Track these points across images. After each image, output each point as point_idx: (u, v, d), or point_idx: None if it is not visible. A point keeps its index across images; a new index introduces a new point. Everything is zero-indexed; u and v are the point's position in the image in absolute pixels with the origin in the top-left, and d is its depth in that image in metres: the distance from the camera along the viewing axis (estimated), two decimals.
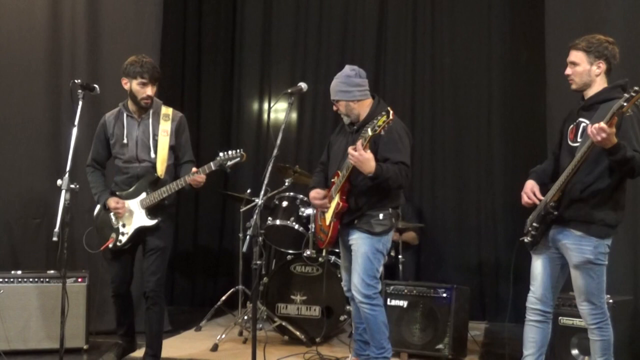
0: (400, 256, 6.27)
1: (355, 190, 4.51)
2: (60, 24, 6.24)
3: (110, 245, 4.82)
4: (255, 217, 4.12)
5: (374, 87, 7.63)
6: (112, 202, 4.79)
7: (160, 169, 4.80)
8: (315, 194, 4.67)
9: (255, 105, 8.16)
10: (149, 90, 4.73)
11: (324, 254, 5.85)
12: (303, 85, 4.58)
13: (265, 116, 8.03)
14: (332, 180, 4.60)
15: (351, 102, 4.57)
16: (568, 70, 3.98)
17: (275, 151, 4.29)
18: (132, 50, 6.14)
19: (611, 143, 3.57)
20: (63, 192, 4.34)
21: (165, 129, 4.81)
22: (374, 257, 4.54)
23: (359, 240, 4.54)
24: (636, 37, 5.35)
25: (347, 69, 4.66)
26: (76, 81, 4.64)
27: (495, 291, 7.08)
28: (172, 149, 4.87)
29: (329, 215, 4.61)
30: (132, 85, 4.74)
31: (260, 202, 4.23)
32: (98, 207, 4.93)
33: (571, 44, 3.98)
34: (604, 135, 3.51)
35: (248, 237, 4.08)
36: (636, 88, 3.42)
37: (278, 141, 4.31)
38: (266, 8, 8.06)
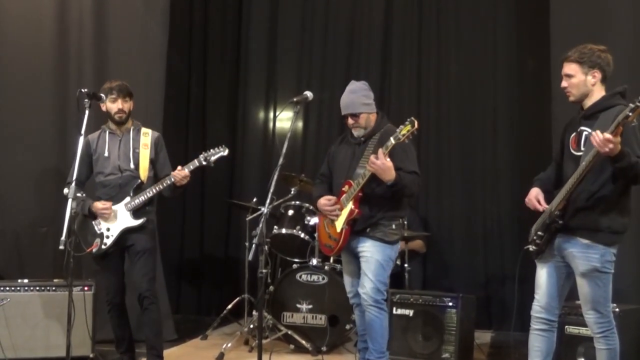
0: (406, 265, 6.26)
1: (368, 198, 4.56)
2: (67, 34, 6.28)
3: (95, 250, 4.87)
4: (261, 225, 4.12)
5: (380, 97, 7.67)
6: (99, 204, 4.88)
7: (143, 175, 4.94)
8: (326, 200, 4.70)
9: (261, 114, 8.19)
10: (120, 104, 4.94)
11: (331, 261, 5.86)
12: (308, 94, 4.60)
13: (271, 125, 8.06)
14: (343, 189, 4.64)
15: (371, 114, 4.70)
16: (564, 83, 3.97)
17: (280, 160, 4.30)
18: (139, 60, 6.24)
19: (616, 151, 3.57)
20: (70, 200, 4.36)
21: (145, 142, 5.02)
22: (387, 265, 4.63)
23: (372, 248, 4.59)
24: None
25: (360, 83, 4.79)
26: (83, 90, 4.67)
27: (501, 300, 7.05)
28: (152, 163, 5.02)
29: (339, 223, 4.63)
30: (107, 104, 4.97)
31: (266, 211, 4.23)
32: (79, 216, 4.95)
33: (564, 57, 3.98)
34: (610, 146, 3.51)
35: (254, 245, 4.09)
36: None
37: (284, 150, 4.32)
38: (272, 17, 8.09)
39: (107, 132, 5.03)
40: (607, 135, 3.50)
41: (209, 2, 8.12)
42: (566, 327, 4.82)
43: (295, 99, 4.56)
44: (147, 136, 5.04)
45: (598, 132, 3.56)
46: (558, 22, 5.71)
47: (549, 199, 4.01)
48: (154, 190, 4.85)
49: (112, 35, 6.31)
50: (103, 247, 4.88)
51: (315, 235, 5.64)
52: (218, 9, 8.15)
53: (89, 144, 5.02)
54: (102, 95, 4.85)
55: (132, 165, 4.94)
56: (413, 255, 6.69)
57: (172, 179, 4.78)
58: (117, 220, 4.89)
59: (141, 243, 4.90)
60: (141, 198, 4.86)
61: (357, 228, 4.60)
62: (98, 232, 4.91)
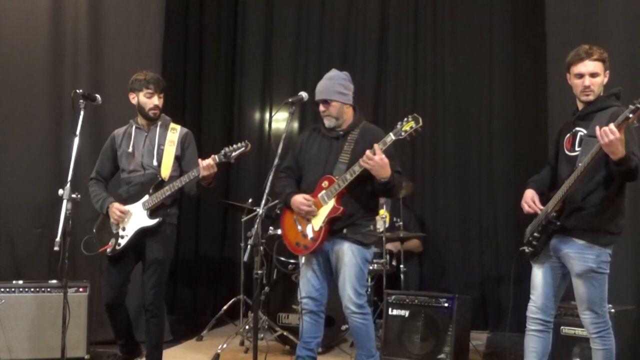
0: (402, 266, 6.26)
1: (350, 196, 4.39)
2: (62, 35, 6.27)
3: (109, 250, 4.77)
4: (256, 226, 4.10)
5: (375, 96, 7.69)
6: (115, 207, 4.76)
7: (165, 173, 4.79)
8: (303, 200, 4.43)
9: (257, 115, 8.20)
10: (156, 100, 4.83)
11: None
12: (304, 94, 4.51)
13: (267, 126, 8.06)
14: (321, 184, 4.43)
15: (345, 104, 4.51)
16: (588, 82, 3.87)
17: (276, 160, 4.26)
18: (134, 60, 6.21)
19: (620, 153, 3.55)
20: (64, 201, 4.34)
21: (171, 139, 4.86)
22: (364, 267, 4.47)
23: (349, 251, 4.39)
24: (636, 48, 5.37)
25: (338, 72, 4.60)
26: (78, 91, 4.65)
27: (497, 300, 7.05)
28: (178, 160, 4.87)
29: (318, 221, 4.42)
30: (139, 97, 4.84)
31: (261, 212, 4.21)
32: (100, 216, 4.91)
33: (584, 55, 3.88)
34: (611, 137, 3.49)
35: (249, 246, 4.03)
36: None
37: (279, 150, 4.29)
38: (267, 17, 8.11)
39: (134, 127, 4.91)
40: (611, 126, 3.49)
41: (204, 3, 8.13)
42: (562, 327, 4.83)
43: (290, 100, 4.49)
44: (174, 132, 4.89)
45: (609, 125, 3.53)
46: (554, 23, 5.71)
47: (543, 202, 4.01)
48: (174, 188, 4.68)
49: (107, 35, 6.29)
50: (117, 247, 4.76)
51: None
52: (213, 10, 8.15)
53: (114, 139, 4.95)
54: (97, 95, 4.78)
55: (155, 162, 4.80)
56: (409, 255, 6.69)
57: (192, 176, 4.62)
58: (133, 219, 4.76)
59: (153, 253, 4.76)
60: (160, 196, 4.70)
61: (335, 227, 4.40)
62: (114, 231, 4.80)
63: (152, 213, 4.74)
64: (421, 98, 7.60)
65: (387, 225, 6.21)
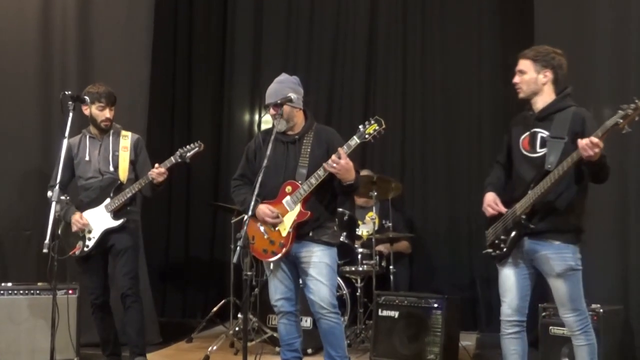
0: (391, 267, 6.27)
1: (314, 199, 4.38)
2: (51, 36, 6.25)
3: (77, 253, 4.93)
4: (245, 228, 4.10)
5: (365, 97, 7.70)
6: (76, 217, 4.93)
7: (123, 176, 5.02)
8: (269, 211, 4.37)
9: (246, 116, 8.20)
10: (107, 113, 5.03)
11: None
12: (293, 95, 4.45)
13: (256, 127, 8.06)
14: (285, 190, 4.38)
15: (295, 108, 4.48)
16: (516, 79, 4.04)
17: (265, 162, 4.25)
18: (123, 61, 6.22)
19: (598, 156, 3.58)
20: (53, 203, 4.34)
21: (124, 145, 5.10)
22: (335, 268, 4.47)
23: (318, 253, 4.38)
24: (622, 50, 5.40)
25: (289, 76, 4.60)
26: (66, 93, 4.67)
27: (487, 301, 7.04)
28: (132, 164, 5.09)
29: (286, 226, 4.37)
30: (92, 109, 5.03)
31: (250, 213, 4.21)
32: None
33: (520, 54, 4.06)
34: (597, 150, 3.52)
35: (238, 248, 4.03)
36: (633, 105, 3.43)
37: (268, 152, 4.27)
38: (257, 18, 8.12)
39: (88, 137, 5.10)
40: (595, 140, 3.51)
41: (193, 4, 8.13)
42: (550, 327, 4.85)
43: (279, 101, 4.44)
44: (126, 139, 5.11)
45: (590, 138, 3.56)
46: (542, 24, 5.74)
47: (503, 202, 4.05)
48: (133, 190, 4.91)
49: (96, 36, 6.29)
50: (85, 249, 4.92)
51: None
52: (202, 10, 8.15)
53: (70, 149, 5.06)
54: (86, 97, 4.86)
55: (111, 168, 5.02)
56: (399, 257, 6.70)
57: (150, 177, 4.83)
58: (98, 222, 4.94)
59: (122, 242, 4.96)
60: (121, 199, 4.92)
61: (303, 231, 4.37)
62: (80, 234, 4.94)
63: (115, 214, 4.95)
64: (410, 99, 7.61)
65: (376, 227, 6.22)
